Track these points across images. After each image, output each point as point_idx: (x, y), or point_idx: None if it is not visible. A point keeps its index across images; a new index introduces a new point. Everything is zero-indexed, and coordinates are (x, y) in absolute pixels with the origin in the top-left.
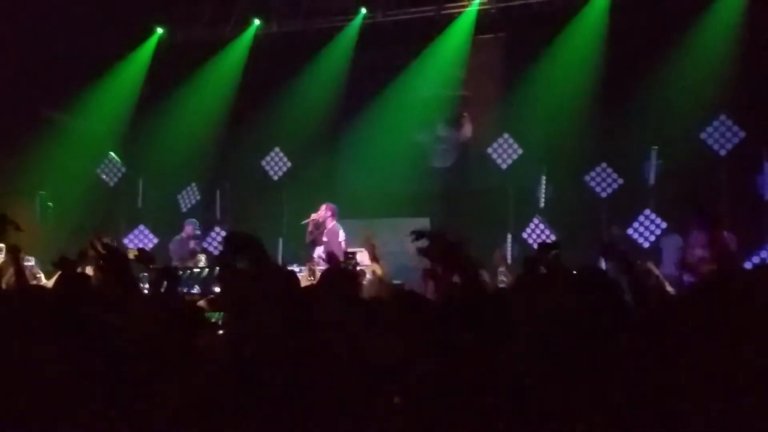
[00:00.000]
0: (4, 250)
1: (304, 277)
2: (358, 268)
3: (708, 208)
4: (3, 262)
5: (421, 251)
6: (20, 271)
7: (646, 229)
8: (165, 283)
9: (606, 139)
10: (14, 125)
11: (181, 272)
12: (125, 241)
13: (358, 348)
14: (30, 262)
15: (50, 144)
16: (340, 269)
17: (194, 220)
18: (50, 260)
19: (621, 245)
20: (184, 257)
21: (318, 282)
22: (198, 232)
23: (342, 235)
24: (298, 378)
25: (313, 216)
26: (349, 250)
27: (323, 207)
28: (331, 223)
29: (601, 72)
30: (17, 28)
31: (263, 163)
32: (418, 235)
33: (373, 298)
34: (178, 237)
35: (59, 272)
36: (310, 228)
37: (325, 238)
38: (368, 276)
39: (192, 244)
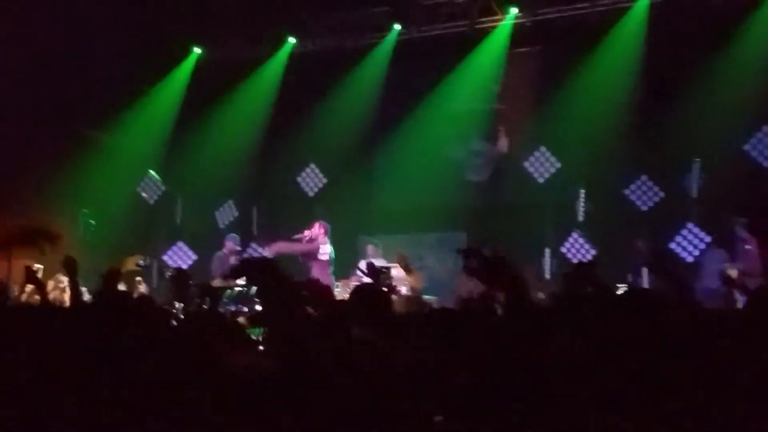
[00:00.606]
0: (42, 270)
1: (339, 293)
2: (392, 283)
3: (754, 221)
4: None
5: (468, 270)
6: (75, 285)
7: (689, 243)
8: (207, 300)
9: (646, 151)
10: (56, 145)
11: (226, 290)
12: (164, 258)
13: (392, 365)
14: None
15: (91, 163)
16: (371, 285)
17: (235, 235)
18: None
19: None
20: (224, 273)
21: (349, 298)
22: (238, 248)
23: (329, 256)
24: (334, 393)
25: (306, 232)
26: (385, 265)
27: (316, 224)
28: (322, 240)
29: (641, 83)
30: (59, 49)
31: (299, 179)
32: (466, 253)
33: (406, 313)
34: (219, 253)
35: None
36: (303, 243)
37: (315, 252)
38: (403, 291)
39: (232, 259)
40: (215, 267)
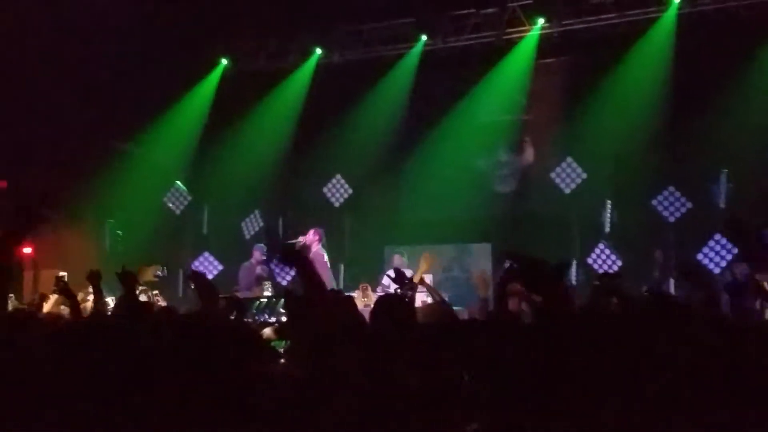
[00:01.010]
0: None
1: (359, 300)
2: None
3: None
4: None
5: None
6: (99, 296)
7: (716, 254)
8: (234, 312)
9: (673, 162)
10: (84, 156)
11: (255, 302)
12: (192, 267)
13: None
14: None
15: (119, 174)
16: (395, 294)
17: (262, 245)
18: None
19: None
20: (251, 283)
21: (373, 307)
22: (264, 258)
23: (326, 258)
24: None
25: (301, 238)
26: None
27: (311, 231)
28: (316, 247)
29: (668, 93)
30: (86, 62)
31: (325, 189)
32: (509, 255)
33: (433, 323)
34: (246, 263)
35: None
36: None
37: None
38: (428, 300)
39: (259, 269)
40: (242, 276)
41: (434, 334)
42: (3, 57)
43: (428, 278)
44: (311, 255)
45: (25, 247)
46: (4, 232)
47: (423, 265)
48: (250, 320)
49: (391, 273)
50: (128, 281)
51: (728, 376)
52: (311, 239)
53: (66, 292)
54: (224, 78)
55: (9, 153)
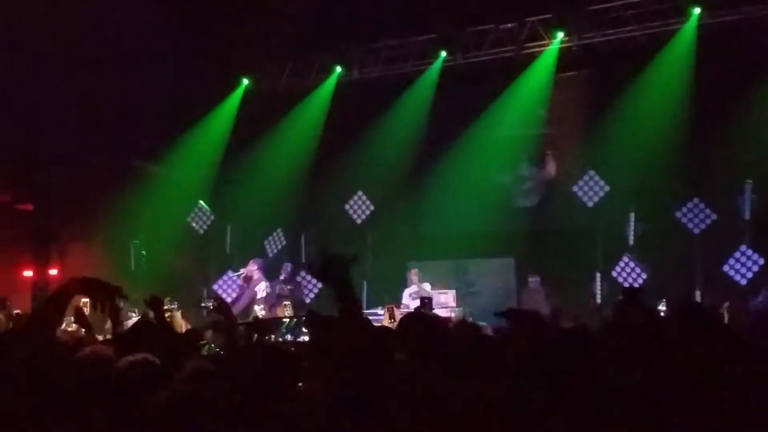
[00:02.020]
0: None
1: (385, 320)
2: (437, 310)
3: None
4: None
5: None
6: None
7: (742, 265)
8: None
9: (697, 174)
10: (109, 176)
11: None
12: (214, 287)
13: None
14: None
15: (143, 194)
16: (421, 314)
17: (289, 264)
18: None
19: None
20: (272, 301)
21: (397, 327)
22: (283, 276)
23: (263, 288)
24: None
25: (242, 270)
26: (435, 291)
27: (251, 262)
28: (258, 275)
29: (691, 105)
30: (110, 83)
31: (347, 206)
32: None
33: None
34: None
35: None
36: (240, 282)
37: (253, 290)
38: (453, 317)
39: (278, 289)
40: (269, 294)
41: (469, 349)
42: (30, 80)
43: (449, 294)
44: (253, 283)
45: (51, 269)
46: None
47: None
48: (280, 340)
49: (411, 290)
50: (157, 306)
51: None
52: (251, 269)
53: (83, 323)
54: (246, 97)
55: (34, 175)
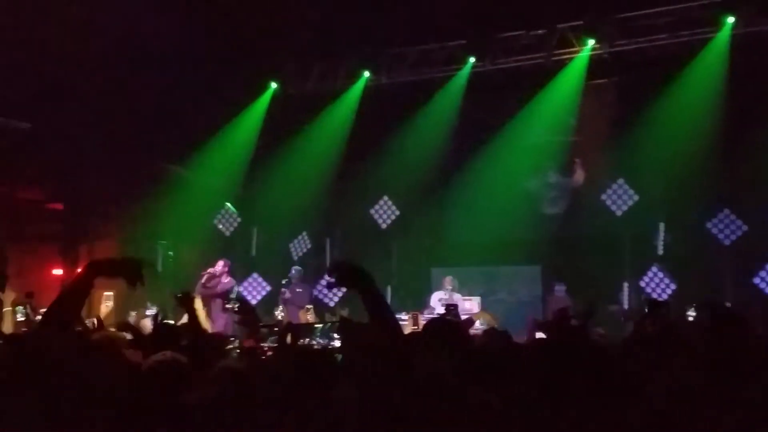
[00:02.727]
0: (111, 298)
1: (408, 326)
2: (464, 317)
3: None
4: (109, 312)
5: None
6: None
7: None
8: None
9: (729, 184)
10: (138, 179)
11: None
12: (240, 288)
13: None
14: (151, 310)
15: (171, 196)
16: (445, 320)
17: (299, 268)
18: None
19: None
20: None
21: (422, 332)
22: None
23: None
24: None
25: (210, 270)
26: (459, 297)
27: (220, 262)
28: (226, 278)
29: (722, 114)
30: (140, 87)
31: (372, 211)
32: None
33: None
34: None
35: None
36: (203, 280)
37: (218, 290)
38: (477, 324)
39: (280, 292)
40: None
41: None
42: (63, 83)
43: (474, 300)
44: (222, 285)
45: (80, 267)
46: (94, 266)
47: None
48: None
49: (440, 294)
50: (188, 304)
51: None
52: (221, 270)
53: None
54: (274, 101)
55: (64, 176)
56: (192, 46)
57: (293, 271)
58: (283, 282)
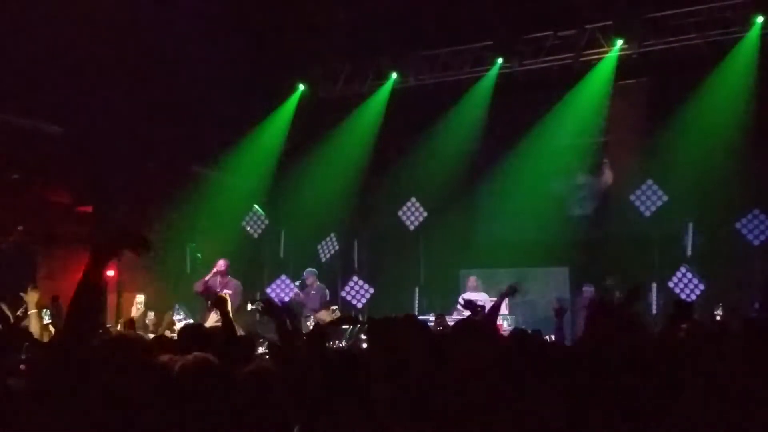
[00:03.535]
0: (143, 302)
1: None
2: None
3: None
4: (141, 314)
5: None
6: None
7: None
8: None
9: (759, 184)
10: (167, 181)
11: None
12: (268, 290)
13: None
14: (179, 314)
15: (200, 198)
16: (474, 320)
17: (313, 270)
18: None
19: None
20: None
21: (450, 333)
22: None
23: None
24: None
25: (215, 269)
26: (486, 298)
27: (220, 261)
28: (225, 277)
29: (753, 114)
30: (168, 89)
31: (400, 213)
32: None
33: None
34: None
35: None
36: (207, 277)
37: (227, 291)
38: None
39: (293, 294)
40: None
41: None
42: (92, 86)
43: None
44: (227, 282)
45: (109, 270)
46: (95, 249)
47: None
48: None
49: (466, 296)
50: (222, 306)
51: None
52: (223, 269)
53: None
54: (302, 103)
55: (94, 178)
56: (221, 47)
57: (305, 274)
58: (296, 284)
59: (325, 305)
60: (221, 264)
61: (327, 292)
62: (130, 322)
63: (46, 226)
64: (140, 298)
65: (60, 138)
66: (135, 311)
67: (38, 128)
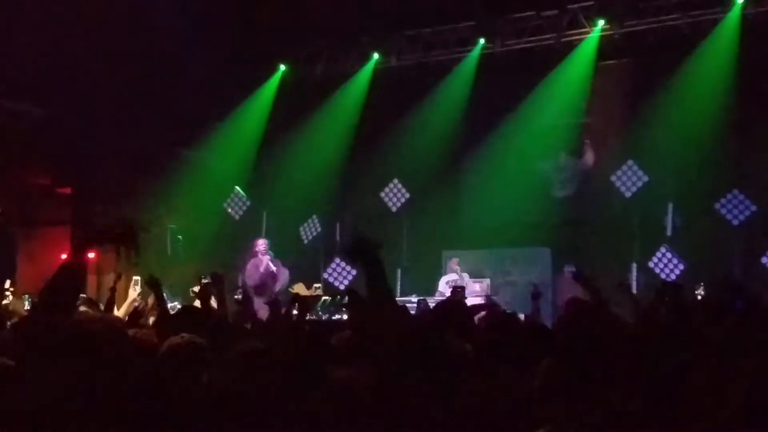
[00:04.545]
0: (139, 282)
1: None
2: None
3: None
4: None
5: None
6: (162, 302)
7: None
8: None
9: (738, 165)
10: (148, 163)
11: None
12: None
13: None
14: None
15: (181, 180)
16: (455, 301)
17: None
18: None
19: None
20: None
21: (431, 313)
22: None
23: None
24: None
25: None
26: (467, 279)
27: (261, 240)
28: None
29: (733, 95)
30: (148, 69)
31: (382, 194)
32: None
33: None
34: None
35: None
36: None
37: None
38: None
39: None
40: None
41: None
42: (72, 66)
43: (484, 283)
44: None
45: (89, 252)
46: (81, 237)
47: None
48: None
49: (448, 277)
50: (218, 286)
51: None
52: (263, 248)
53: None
54: (284, 85)
55: (73, 161)
56: (202, 27)
57: (259, 244)
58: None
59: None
60: (262, 243)
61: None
62: (135, 312)
63: (26, 208)
64: (137, 279)
65: (39, 119)
66: (132, 294)
67: (17, 109)
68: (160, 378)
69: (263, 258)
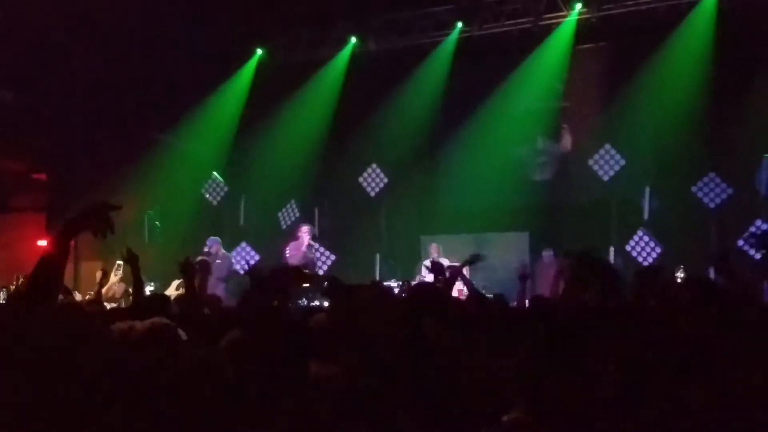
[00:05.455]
0: (122, 267)
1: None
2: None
3: None
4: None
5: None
6: (138, 280)
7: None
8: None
9: (714, 148)
10: (124, 147)
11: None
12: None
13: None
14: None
15: (157, 165)
16: (429, 284)
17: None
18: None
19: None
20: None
21: (407, 296)
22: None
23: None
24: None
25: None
26: (450, 264)
27: (306, 227)
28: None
29: (709, 79)
30: (124, 54)
31: (360, 179)
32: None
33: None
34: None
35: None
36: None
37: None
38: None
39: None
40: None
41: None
42: (47, 52)
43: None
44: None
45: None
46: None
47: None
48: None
49: (429, 263)
50: (190, 272)
51: None
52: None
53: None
54: (260, 68)
55: (49, 147)
56: (178, 11)
57: (209, 242)
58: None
59: (233, 274)
60: (306, 230)
61: (233, 261)
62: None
63: (0, 195)
64: (119, 263)
65: (13, 104)
66: (113, 279)
67: None
68: (131, 362)
69: (305, 239)
